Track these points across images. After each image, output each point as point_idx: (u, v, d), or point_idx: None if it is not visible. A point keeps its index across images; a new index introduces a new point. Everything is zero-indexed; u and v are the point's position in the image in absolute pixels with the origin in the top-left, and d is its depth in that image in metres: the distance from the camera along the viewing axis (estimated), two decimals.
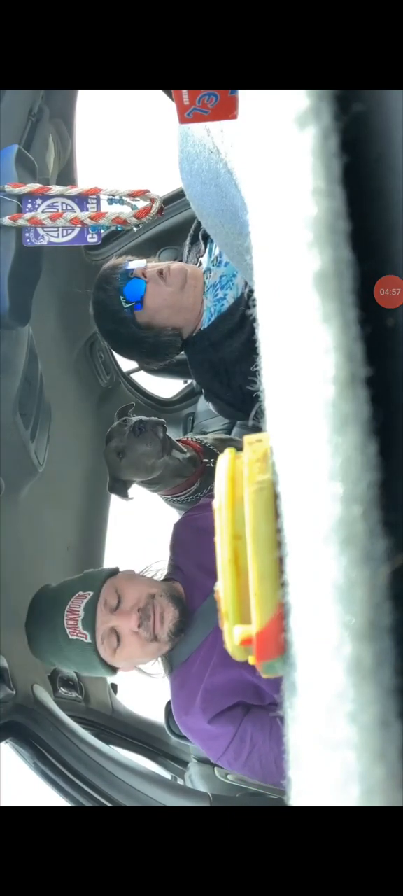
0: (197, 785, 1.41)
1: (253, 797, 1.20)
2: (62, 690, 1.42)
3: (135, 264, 1.35)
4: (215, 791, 1.24)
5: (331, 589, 0.17)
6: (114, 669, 1.04)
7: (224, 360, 1.34)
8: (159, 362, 1.50)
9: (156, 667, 1.14)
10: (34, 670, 1.25)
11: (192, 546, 1.00)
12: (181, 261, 1.51)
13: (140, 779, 1.14)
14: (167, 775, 1.58)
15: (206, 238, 1.45)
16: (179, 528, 1.24)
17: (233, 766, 1.00)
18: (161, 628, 0.99)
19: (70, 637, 0.99)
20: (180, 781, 1.53)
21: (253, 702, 0.98)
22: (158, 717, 1.63)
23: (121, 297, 1.30)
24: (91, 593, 1.02)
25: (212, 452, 1.52)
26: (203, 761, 1.40)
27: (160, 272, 1.32)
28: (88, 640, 0.98)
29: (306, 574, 0.19)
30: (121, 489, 1.43)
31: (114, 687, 1.72)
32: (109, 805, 1.07)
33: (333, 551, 0.17)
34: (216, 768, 1.35)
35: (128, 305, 1.30)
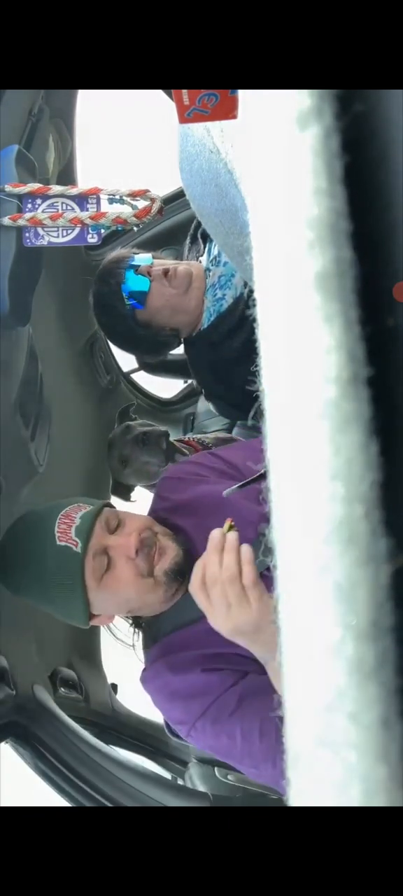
0: (197, 785, 1.41)
1: (253, 797, 1.20)
2: (62, 690, 1.42)
3: (142, 259, 1.32)
4: (215, 791, 1.25)
5: (333, 589, 0.17)
6: (89, 611, 0.87)
7: (224, 361, 1.34)
8: (154, 358, 1.50)
9: (134, 637, 1.00)
10: (34, 670, 1.25)
11: (202, 512, 0.87)
12: (181, 259, 1.51)
13: (140, 779, 1.14)
14: (167, 775, 1.58)
15: (206, 237, 1.45)
16: (177, 487, 1.04)
17: (207, 733, 0.83)
18: (159, 562, 0.86)
19: (58, 543, 0.84)
20: (180, 781, 1.53)
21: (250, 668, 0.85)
22: (158, 717, 1.63)
23: (124, 294, 1.29)
24: (92, 507, 0.89)
25: None
26: (203, 761, 1.40)
27: (166, 272, 1.30)
28: (78, 548, 0.83)
29: (307, 574, 0.19)
30: (125, 493, 1.45)
31: (114, 687, 1.72)
32: (109, 805, 1.07)
33: (335, 551, 0.17)
34: (216, 768, 1.35)
35: (129, 303, 1.29)
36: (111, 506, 0.95)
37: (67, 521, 0.87)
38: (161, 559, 0.86)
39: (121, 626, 1.00)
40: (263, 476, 0.71)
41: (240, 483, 0.70)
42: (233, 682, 0.84)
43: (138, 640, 1.00)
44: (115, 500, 1.95)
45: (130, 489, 1.45)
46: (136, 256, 1.33)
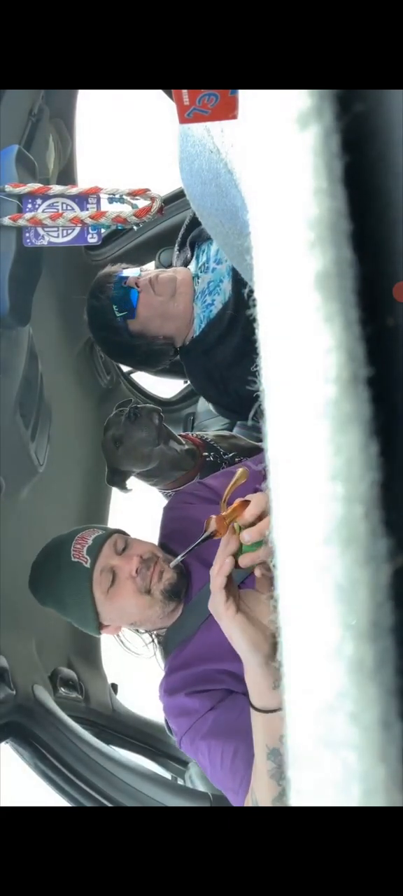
0: (197, 785, 1.41)
1: None
2: (62, 690, 1.42)
3: (129, 272, 1.35)
4: (215, 791, 1.24)
5: (333, 589, 0.17)
6: (99, 621, 1.03)
7: (218, 367, 1.34)
8: (152, 369, 1.52)
9: (144, 648, 1.13)
10: (34, 670, 1.25)
11: (188, 537, 0.99)
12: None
13: (140, 779, 1.14)
14: (167, 775, 1.58)
15: (194, 244, 1.45)
16: (172, 517, 1.23)
17: (189, 749, 0.97)
18: (157, 583, 1.01)
19: (72, 559, 1.02)
20: (180, 781, 1.53)
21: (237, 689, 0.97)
22: (158, 717, 1.63)
23: (114, 307, 1.31)
24: (103, 532, 1.07)
25: (213, 447, 1.52)
26: None
27: (151, 281, 1.33)
28: (88, 564, 1.00)
29: (307, 574, 0.19)
30: (120, 481, 1.44)
31: (114, 687, 1.72)
32: (109, 805, 1.07)
33: (335, 551, 0.17)
34: None
35: (120, 314, 1.31)
36: (123, 532, 1.11)
37: (81, 542, 1.04)
38: (159, 581, 1.01)
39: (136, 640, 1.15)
40: (209, 537, 0.77)
41: (187, 549, 0.81)
42: (211, 706, 0.96)
43: (156, 653, 1.13)
44: (114, 496, 1.95)
45: (125, 476, 1.44)
46: (124, 270, 1.36)
